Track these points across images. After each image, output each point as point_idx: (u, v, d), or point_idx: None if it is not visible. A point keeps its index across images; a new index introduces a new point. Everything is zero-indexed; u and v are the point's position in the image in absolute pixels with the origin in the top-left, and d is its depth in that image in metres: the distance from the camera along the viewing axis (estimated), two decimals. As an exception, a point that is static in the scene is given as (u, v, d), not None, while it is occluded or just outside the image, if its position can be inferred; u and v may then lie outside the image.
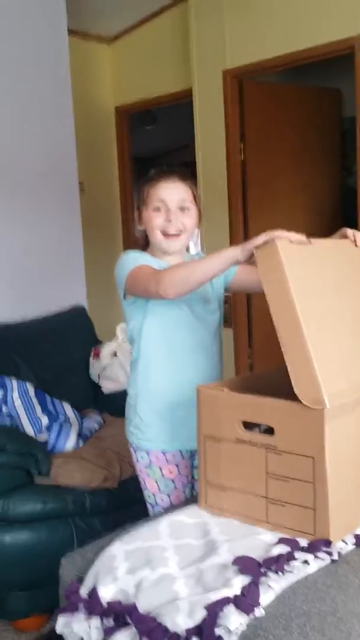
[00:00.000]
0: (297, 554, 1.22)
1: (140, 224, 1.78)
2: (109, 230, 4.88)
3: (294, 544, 1.25)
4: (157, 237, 1.73)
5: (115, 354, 3.03)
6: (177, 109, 4.52)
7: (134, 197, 3.87)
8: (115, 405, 3.02)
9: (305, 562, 1.21)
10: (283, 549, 1.24)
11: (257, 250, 1.34)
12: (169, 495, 1.77)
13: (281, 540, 1.27)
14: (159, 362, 1.74)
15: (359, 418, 1.34)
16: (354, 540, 1.32)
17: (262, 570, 1.17)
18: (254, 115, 3.92)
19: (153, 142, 6.24)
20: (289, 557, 1.20)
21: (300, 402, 1.28)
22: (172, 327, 1.73)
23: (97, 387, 3.08)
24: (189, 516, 1.43)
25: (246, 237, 3.95)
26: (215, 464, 1.44)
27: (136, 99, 4.58)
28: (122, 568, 1.26)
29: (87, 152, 4.23)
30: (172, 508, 1.55)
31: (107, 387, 3.03)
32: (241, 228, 3.97)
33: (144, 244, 1.82)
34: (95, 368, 3.07)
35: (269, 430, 1.35)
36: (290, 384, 1.27)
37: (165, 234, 1.72)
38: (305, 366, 1.24)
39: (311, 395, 1.25)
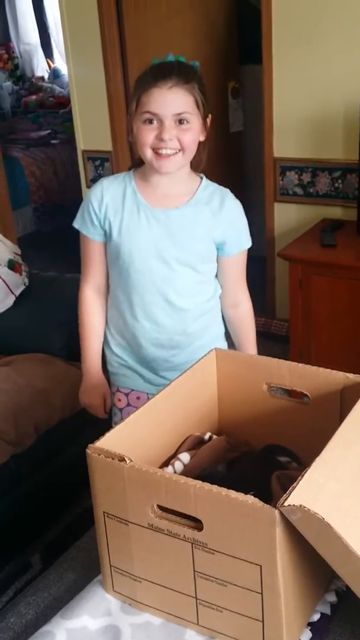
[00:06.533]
0: None
1: (131, 135, 1.48)
2: None
3: None
4: (147, 154, 1.44)
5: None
6: None
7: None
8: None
9: None
10: None
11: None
12: None
13: None
14: None
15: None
16: (310, 635, 1.02)
17: None
18: None
19: None
20: None
21: (239, 494, 0.89)
22: None
23: None
24: (93, 614, 1.07)
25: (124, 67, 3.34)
26: (122, 549, 1.06)
27: None
28: None
29: None
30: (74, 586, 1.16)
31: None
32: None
33: (139, 158, 1.52)
34: None
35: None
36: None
37: (158, 153, 1.43)
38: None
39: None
